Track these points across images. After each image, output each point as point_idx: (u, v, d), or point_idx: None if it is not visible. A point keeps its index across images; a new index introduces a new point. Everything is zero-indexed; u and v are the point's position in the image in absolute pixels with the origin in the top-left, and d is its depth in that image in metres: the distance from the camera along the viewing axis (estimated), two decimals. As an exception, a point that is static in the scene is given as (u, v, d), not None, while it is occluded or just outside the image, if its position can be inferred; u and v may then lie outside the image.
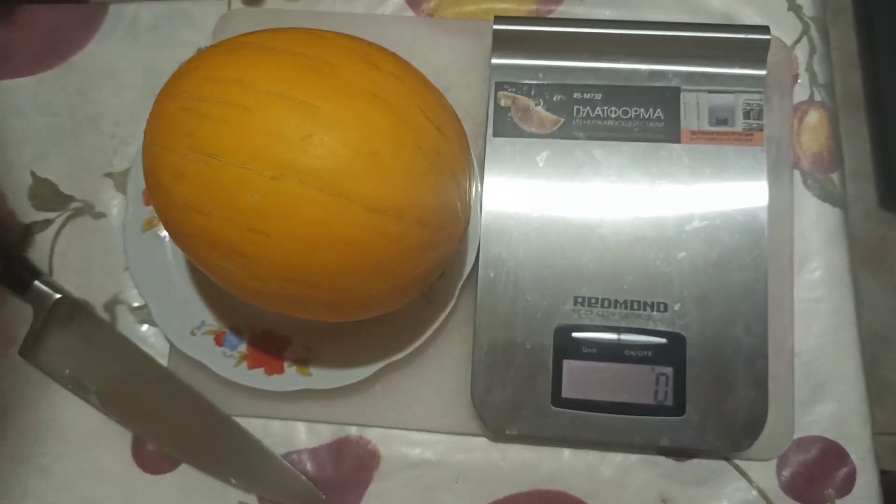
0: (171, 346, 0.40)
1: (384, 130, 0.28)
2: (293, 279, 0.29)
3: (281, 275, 0.29)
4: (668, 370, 0.37)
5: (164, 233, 0.40)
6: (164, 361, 0.40)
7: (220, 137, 0.28)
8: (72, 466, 0.39)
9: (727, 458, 0.38)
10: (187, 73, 0.30)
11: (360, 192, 0.27)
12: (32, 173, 0.43)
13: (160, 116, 0.30)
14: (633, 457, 0.38)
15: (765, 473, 0.38)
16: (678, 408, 0.37)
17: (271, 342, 0.39)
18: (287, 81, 0.28)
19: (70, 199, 0.42)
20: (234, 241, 0.28)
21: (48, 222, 0.42)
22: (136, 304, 0.41)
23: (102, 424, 0.39)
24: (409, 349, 0.38)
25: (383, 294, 0.31)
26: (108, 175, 0.42)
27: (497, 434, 0.38)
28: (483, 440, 0.39)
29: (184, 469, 0.39)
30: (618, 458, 0.38)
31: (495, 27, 0.40)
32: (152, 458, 0.39)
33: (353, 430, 0.39)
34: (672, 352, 0.37)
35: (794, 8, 0.43)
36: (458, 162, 0.31)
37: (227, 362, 0.38)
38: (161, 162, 0.29)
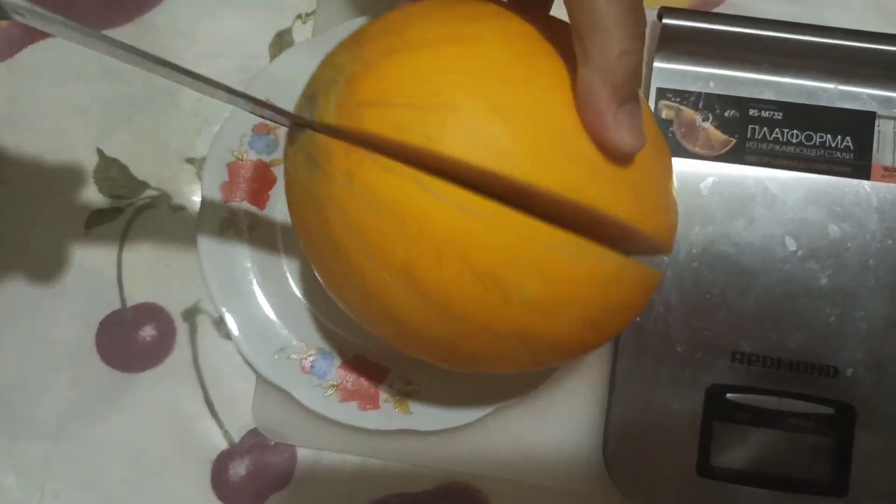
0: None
1: (649, 134, 0.22)
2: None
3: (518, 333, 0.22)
4: (833, 444, 0.33)
5: (243, 237, 0.34)
6: (250, 385, 0.35)
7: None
8: (140, 494, 0.35)
9: (880, 540, 0.34)
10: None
11: (627, 221, 0.21)
12: (99, 151, 0.36)
13: (398, 75, 0.21)
14: (779, 533, 0.34)
15: (921, 560, 0.34)
16: (841, 488, 0.32)
17: (366, 371, 0.34)
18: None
19: (143, 185, 0.36)
20: None
21: (117, 211, 0.36)
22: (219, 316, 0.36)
23: (179, 446, 0.35)
24: (528, 391, 0.33)
25: (590, 347, 0.25)
26: (189, 161, 0.36)
27: (630, 499, 0.34)
28: (609, 499, 0.34)
29: (270, 506, 0.35)
30: (760, 531, 0.34)
31: (665, 21, 0.34)
32: (236, 491, 0.35)
33: (462, 477, 0.35)
34: (839, 424, 0.33)
35: None
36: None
37: (316, 393, 0.33)
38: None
